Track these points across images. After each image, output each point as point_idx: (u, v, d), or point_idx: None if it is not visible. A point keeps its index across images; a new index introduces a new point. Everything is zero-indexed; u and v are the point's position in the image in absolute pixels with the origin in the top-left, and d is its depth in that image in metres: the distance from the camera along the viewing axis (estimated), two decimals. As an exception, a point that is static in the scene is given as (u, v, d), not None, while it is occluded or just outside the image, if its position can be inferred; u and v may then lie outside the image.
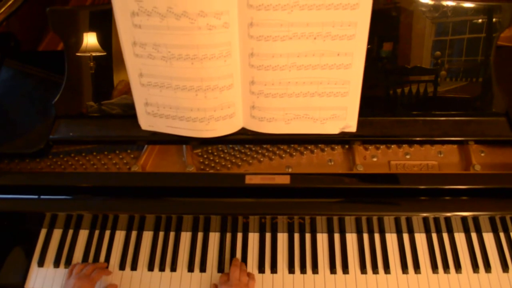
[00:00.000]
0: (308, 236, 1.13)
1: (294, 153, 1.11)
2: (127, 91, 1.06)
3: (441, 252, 1.10)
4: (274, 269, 1.09)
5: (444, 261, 1.08)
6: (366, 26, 0.89)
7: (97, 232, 1.17)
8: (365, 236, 1.13)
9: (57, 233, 1.17)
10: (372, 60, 1.02)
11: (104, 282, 1.10)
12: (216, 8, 0.86)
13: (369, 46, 0.93)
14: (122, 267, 1.11)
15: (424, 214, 1.03)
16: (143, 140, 1.09)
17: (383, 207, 1.03)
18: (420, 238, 1.12)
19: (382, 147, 1.11)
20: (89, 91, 1.08)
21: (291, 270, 1.09)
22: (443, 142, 1.10)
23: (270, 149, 1.12)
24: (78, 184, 1.06)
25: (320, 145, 1.12)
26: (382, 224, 1.10)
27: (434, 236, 1.12)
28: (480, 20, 1.00)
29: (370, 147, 1.11)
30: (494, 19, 1.00)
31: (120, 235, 1.16)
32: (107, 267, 1.12)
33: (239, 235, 1.15)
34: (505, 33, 1.30)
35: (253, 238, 1.14)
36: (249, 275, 1.08)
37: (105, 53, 1.05)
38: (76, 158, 1.11)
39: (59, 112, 1.09)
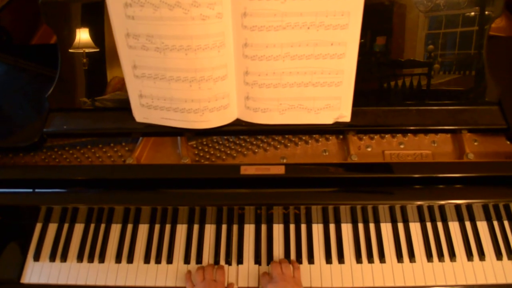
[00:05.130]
0: (303, 227, 1.14)
1: (288, 144, 1.11)
2: (121, 87, 1.06)
3: (436, 241, 1.10)
4: (270, 260, 1.09)
5: (439, 250, 1.09)
6: (359, 15, 0.89)
7: (92, 226, 1.17)
8: (360, 226, 1.13)
9: (52, 227, 1.17)
10: (366, 52, 1.02)
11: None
12: (209, -2, 0.86)
13: (362, 40, 0.93)
14: (118, 260, 1.11)
15: (419, 203, 1.03)
16: (138, 132, 1.09)
17: (378, 196, 1.03)
18: (415, 228, 1.13)
19: (376, 137, 1.12)
20: (83, 84, 1.08)
21: (287, 260, 1.09)
22: (436, 131, 1.11)
23: (265, 140, 1.12)
24: (73, 177, 1.05)
25: (314, 136, 1.12)
26: (377, 213, 1.11)
27: (429, 225, 1.13)
28: (472, 13, 1.01)
29: (364, 137, 1.12)
30: (484, 10, 1.00)
31: (115, 228, 1.16)
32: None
33: (235, 227, 1.15)
34: (497, 24, 1.31)
35: (249, 229, 1.14)
36: (293, 264, 1.06)
37: (99, 46, 1.05)
38: (71, 152, 1.11)
39: (52, 105, 1.08)
